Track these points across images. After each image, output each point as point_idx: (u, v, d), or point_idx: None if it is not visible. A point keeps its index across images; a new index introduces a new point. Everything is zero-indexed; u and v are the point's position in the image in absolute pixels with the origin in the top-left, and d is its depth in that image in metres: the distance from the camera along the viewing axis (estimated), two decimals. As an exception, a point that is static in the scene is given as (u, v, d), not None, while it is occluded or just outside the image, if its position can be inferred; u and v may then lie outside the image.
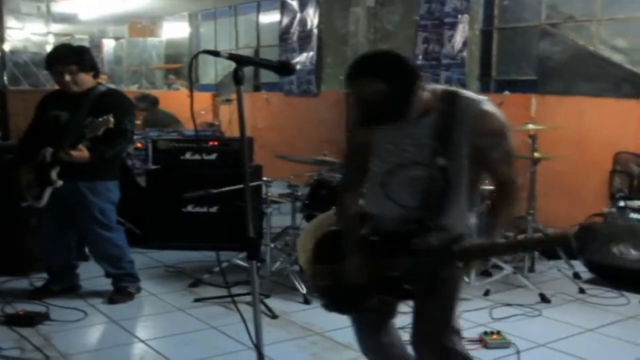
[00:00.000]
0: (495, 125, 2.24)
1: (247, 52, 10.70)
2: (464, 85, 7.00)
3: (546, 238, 2.30)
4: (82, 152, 3.86)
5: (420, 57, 7.47)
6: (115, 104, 4.04)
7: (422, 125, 2.23)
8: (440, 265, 2.29)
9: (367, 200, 2.44)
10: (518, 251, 2.37)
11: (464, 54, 7.08)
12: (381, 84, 2.10)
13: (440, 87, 2.30)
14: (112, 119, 3.81)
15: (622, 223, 4.79)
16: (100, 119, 3.81)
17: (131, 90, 12.86)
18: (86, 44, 14.79)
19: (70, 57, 4.02)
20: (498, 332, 3.60)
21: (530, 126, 4.84)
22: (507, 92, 6.79)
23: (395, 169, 2.29)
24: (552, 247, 2.27)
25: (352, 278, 2.37)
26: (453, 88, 2.32)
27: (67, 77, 4.01)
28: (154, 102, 9.02)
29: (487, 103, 2.25)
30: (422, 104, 2.20)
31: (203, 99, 10.74)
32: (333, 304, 2.56)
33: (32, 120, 4.25)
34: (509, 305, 4.19)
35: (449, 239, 2.26)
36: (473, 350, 3.45)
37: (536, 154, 4.75)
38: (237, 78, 2.13)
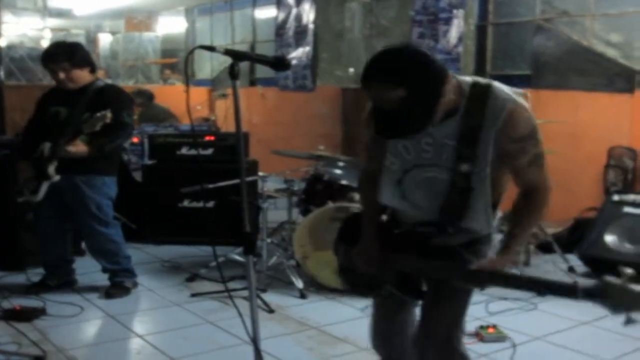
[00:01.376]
0: (525, 129, 2.04)
1: (243, 47, 10.67)
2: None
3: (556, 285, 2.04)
4: (78, 147, 3.86)
5: (416, 52, 7.45)
6: (113, 99, 4.02)
7: (446, 126, 2.04)
8: (453, 273, 2.14)
9: (382, 195, 2.28)
10: (525, 288, 2.18)
11: (459, 49, 7.05)
12: (402, 91, 1.89)
13: (467, 80, 2.07)
14: (109, 115, 3.79)
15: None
16: (98, 114, 3.80)
17: (128, 85, 12.82)
18: (82, 38, 14.77)
19: (62, 55, 4.00)
20: (494, 326, 3.60)
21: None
22: (502, 87, 6.79)
23: (412, 168, 2.15)
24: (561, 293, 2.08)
25: (361, 266, 2.34)
26: (484, 82, 2.08)
27: (62, 75, 4.00)
28: (150, 97, 9.00)
29: (518, 103, 2.05)
30: (447, 103, 2.00)
31: (199, 94, 10.72)
32: (349, 284, 2.55)
33: (32, 116, 4.24)
34: (504, 299, 4.18)
35: (471, 239, 2.18)
36: (469, 344, 3.45)
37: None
38: (233, 73, 2.13)
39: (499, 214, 2.31)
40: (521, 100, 2.08)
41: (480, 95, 2.03)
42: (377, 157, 2.28)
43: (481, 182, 2.07)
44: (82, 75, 4.06)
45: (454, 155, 2.05)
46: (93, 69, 4.16)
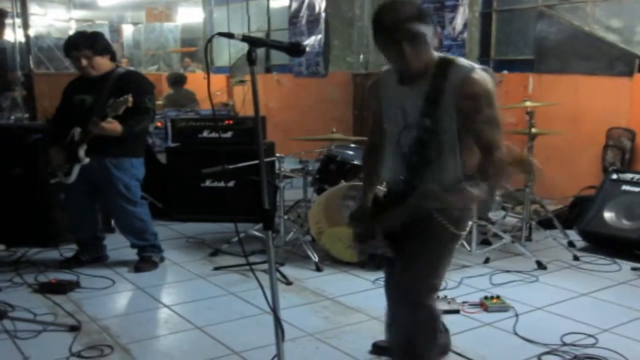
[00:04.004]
0: (477, 89, 2.19)
1: (259, 36, 10.62)
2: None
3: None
4: (112, 124, 3.86)
5: (423, 38, 7.40)
6: (134, 85, 4.03)
7: (418, 89, 2.25)
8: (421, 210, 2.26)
9: (385, 161, 2.47)
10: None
11: (465, 35, 7.00)
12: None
13: (439, 54, 2.28)
14: (130, 99, 3.81)
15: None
16: (121, 99, 3.82)
17: (150, 72, 12.84)
18: (106, 29, 14.78)
19: (83, 43, 4.00)
20: (498, 297, 3.62)
21: (528, 103, 4.81)
22: (505, 72, 6.76)
23: (403, 129, 2.33)
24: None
25: (357, 223, 2.47)
26: (451, 56, 2.29)
27: (84, 62, 4.00)
28: (173, 81, 9.06)
29: (476, 70, 2.22)
30: (422, 66, 2.22)
31: (218, 81, 10.72)
32: (359, 255, 2.56)
33: (60, 105, 4.27)
34: (507, 271, 4.20)
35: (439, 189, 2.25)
36: (474, 313, 3.49)
37: (533, 130, 4.72)
38: (250, 59, 2.11)
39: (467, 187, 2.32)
40: (483, 72, 2.24)
41: (445, 64, 2.24)
42: (378, 129, 2.51)
43: (445, 139, 2.23)
44: (103, 63, 4.07)
45: (420, 112, 2.25)
46: (113, 57, 4.17)
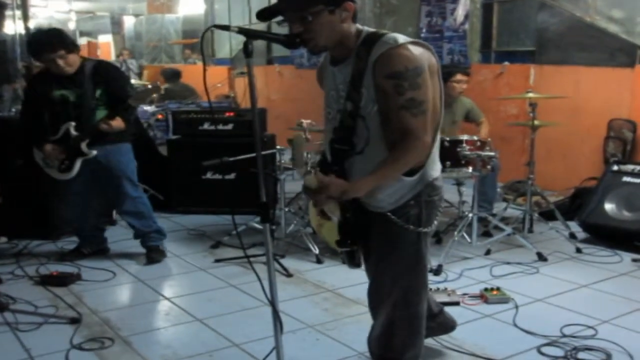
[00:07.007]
0: (399, 66, 1.92)
1: (260, 28, 10.58)
2: (465, 56, 6.91)
3: None
4: (118, 122, 3.93)
5: (424, 30, 7.37)
6: (114, 75, 4.09)
7: (345, 69, 2.08)
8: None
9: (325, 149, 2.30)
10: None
11: (466, 26, 6.97)
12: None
13: (369, 30, 2.07)
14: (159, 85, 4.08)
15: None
16: (142, 89, 3.99)
17: (153, 65, 12.80)
18: (107, 20, 14.76)
19: (57, 43, 3.84)
20: (498, 289, 3.61)
21: (531, 95, 4.78)
22: (507, 63, 6.73)
23: (336, 114, 2.15)
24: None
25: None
26: (381, 31, 2.04)
27: (61, 62, 3.87)
28: (170, 76, 9.05)
29: (403, 46, 1.95)
30: (345, 43, 2.04)
31: (219, 73, 10.69)
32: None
33: (27, 102, 4.14)
34: (508, 263, 4.20)
35: (401, 205, 2.12)
36: (474, 305, 3.49)
37: (536, 122, 4.70)
38: (246, 51, 2.09)
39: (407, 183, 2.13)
40: (415, 47, 1.98)
41: (370, 40, 2.00)
42: None
43: (368, 123, 2.03)
44: (76, 59, 3.97)
45: (345, 95, 2.06)
46: (78, 49, 4.07)
